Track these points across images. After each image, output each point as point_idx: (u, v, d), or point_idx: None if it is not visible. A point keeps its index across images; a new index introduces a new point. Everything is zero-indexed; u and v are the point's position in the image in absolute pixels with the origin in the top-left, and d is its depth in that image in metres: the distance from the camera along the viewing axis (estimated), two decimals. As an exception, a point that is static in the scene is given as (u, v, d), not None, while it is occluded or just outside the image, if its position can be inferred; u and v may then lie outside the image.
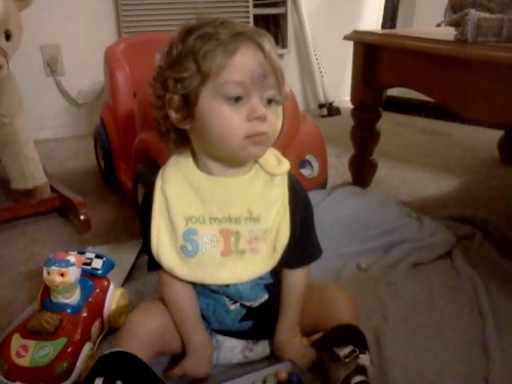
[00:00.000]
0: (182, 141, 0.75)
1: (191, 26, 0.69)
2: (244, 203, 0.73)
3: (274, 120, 0.70)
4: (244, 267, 0.74)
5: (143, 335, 0.73)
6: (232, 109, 0.67)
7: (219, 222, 0.73)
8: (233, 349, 0.82)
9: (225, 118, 0.67)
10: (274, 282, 0.80)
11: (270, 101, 0.69)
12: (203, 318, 0.81)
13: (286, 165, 0.77)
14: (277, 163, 0.76)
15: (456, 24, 1.15)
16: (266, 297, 0.80)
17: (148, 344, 0.73)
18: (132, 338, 0.73)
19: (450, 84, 1.20)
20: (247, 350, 0.82)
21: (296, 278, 0.80)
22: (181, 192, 0.74)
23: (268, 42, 0.68)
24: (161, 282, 0.79)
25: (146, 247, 0.77)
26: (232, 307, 0.79)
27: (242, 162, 0.74)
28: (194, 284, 0.78)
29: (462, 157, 1.96)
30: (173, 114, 0.71)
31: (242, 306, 0.79)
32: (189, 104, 0.69)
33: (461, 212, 1.34)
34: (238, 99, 0.66)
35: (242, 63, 0.66)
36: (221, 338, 0.82)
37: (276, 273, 0.79)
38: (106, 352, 0.70)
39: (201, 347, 0.78)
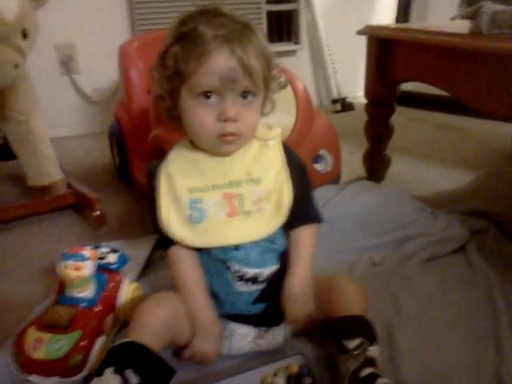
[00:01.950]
0: (180, 124, 0.81)
1: (187, 17, 0.74)
2: (241, 167, 0.79)
3: (251, 117, 0.76)
4: (251, 226, 0.78)
5: (153, 325, 0.74)
6: (205, 109, 0.74)
7: (221, 187, 0.79)
8: (245, 336, 0.83)
9: (198, 117, 0.75)
10: (287, 250, 0.83)
11: (245, 95, 0.74)
12: (217, 301, 0.82)
13: (276, 130, 0.83)
14: (268, 130, 0.83)
15: (471, 17, 1.14)
16: (277, 265, 0.81)
17: (158, 334, 0.74)
18: (142, 328, 0.74)
19: (465, 77, 1.19)
20: (259, 337, 0.83)
21: (302, 236, 0.83)
22: (182, 169, 0.80)
23: (249, 43, 0.72)
24: (170, 261, 0.82)
25: (157, 228, 0.81)
26: (241, 288, 0.80)
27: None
28: (205, 258, 0.81)
29: (476, 151, 1.94)
30: (167, 101, 0.79)
31: (252, 282, 0.80)
32: (173, 97, 0.77)
33: (475, 206, 1.33)
34: (208, 96, 0.73)
35: (213, 67, 0.71)
36: (233, 325, 0.83)
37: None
38: (117, 343, 0.72)
39: (209, 325, 0.79)
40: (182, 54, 0.72)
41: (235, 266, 0.79)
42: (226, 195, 0.78)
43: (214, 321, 0.80)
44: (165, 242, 0.81)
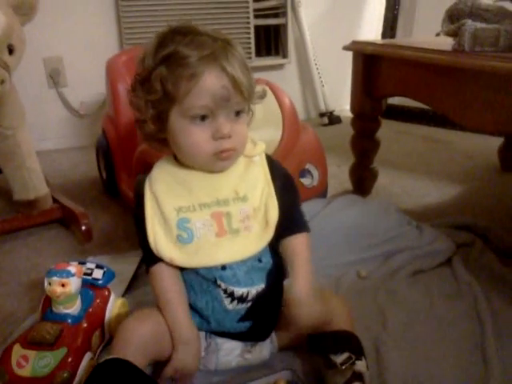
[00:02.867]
0: (164, 147, 0.81)
1: (164, 37, 0.73)
2: (229, 185, 0.79)
3: (242, 131, 0.77)
4: (240, 245, 0.78)
5: (137, 341, 0.74)
6: (199, 128, 0.73)
7: (209, 206, 0.78)
8: (232, 351, 0.82)
9: (192, 137, 0.74)
10: (273, 269, 0.81)
11: (238, 113, 0.75)
12: (203, 319, 0.82)
13: (261, 146, 0.83)
14: (253, 146, 0.82)
15: (453, 34, 1.16)
16: (262, 285, 0.80)
17: (142, 349, 0.74)
18: (126, 344, 0.73)
19: (448, 93, 1.21)
20: (246, 352, 0.83)
21: (296, 244, 0.82)
22: (168, 187, 0.79)
23: (235, 59, 0.72)
24: (151, 277, 0.81)
25: (143, 247, 0.80)
26: (230, 306, 0.79)
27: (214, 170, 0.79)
28: (191, 277, 0.80)
29: (462, 164, 1.96)
30: (149, 126, 0.77)
31: (239, 301, 0.79)
32: (161, 120, 0.75)
33: (461, 220, 1.35)
34: (204, 118, 0.73)
35: (206, 88, 0.71)
36: (220, 340, 0.82)
37: (275, 255, 0.82)
38: (101, 361, 0.71)
39: (189, 340, 0.78)
40: (170, 77, 0.71)
41: (223, 285, 0.79)
42: (215, 214, 0.77)
43: (195, 336, 0.80)
44: (148, 259, 0.81)
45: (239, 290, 0.79)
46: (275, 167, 0.83)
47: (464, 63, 1.09)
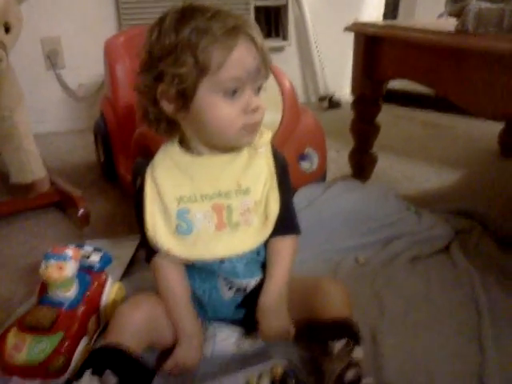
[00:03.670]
0: (172, 129, 0.78)
1: (182, 14, 0.70)
2: (232, 177, 0.77)
3: (263, 105, 0.74)
4: (239, 239, 0.76)
5: (132, 326, 0.73)
6: (229, 102, 0.71)
7: (210, 198, 0.76)
8: (227, 337, 0.82)
9: (222, 111, 0.71)
10: None
11: (259, 89, 0.74)
12: (200, 306, 0.82)
13: (267, 135, 0.81)
14: (259, 135, 0.79)
15: (457, 14, 1.14)
16: (261, 276, 0.81)
17: (137, 335, 0.73)
18: (121, 329, 0.73)
19: (451, 75, 1.19)
20: (241, 339, 0.83)
21: (282, 248, 0.81)
22: (169, 175, 0.77)
23: (258, 33, 0.71)
24: (154, 269, 0.80)
25: (143, 236, 0.79)
26: (227, 294, 0.80)
27: (236, 148, 0.78)
28: (190, 267, 0.79)
29: (462, 150, 1.95)
30: (166, 105, 0.73)
31: (238, 290, 0.80)
32: (185, 97, 0.71)
33: (460, 206, 1.34)
34: (234, 92, 0.70)
35: (239, 59, 0.69)
36: (217, 324, 0.83)
37: None
38: (96, 346, 0.72)
39: (192, 335, 0.78)
40: (202, 48, 0.67)
41: (223, 276, 0.79)
42: (215, 206, 0.76)
43: (198, 330, 0.79)
44: (149, 248, 0.79)
45: (238, 281, 0.79)
46: (277, 160, 0.81)
47: (467, 44, 1.07)
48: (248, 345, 0.82)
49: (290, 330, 0.78)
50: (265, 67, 0.72)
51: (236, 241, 0.76)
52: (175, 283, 0.79)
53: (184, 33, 0.68)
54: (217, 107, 0.71)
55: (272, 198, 0.78)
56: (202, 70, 0.68)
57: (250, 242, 0.77)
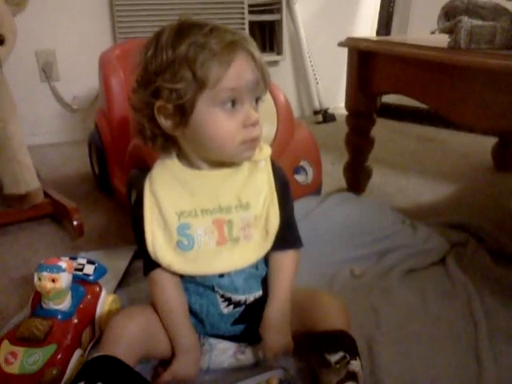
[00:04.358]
0: (169, 146, 0.77)
1: (179, 29, 0.70)
2: (232, 192, 0.76)
3: (259, 119, 0.74)
4: (239, 254, 0.76)
5: (126, 338, 0.73)
6: (228, 116, 0.70)
7: (211, 212, 0.75)
8: (225, 351, 0.82)
9: (222, 125, 0.71)
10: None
11: (257, 100, 0.73)
12: (197, 321, 0.81)
13: (267, 150, 0.80)
14: (258, 150, 0.79)
15: (449, 31, 1.15)
16: (260, 292, 0.81)
17: (131, 346, 0.73)
18: (115, 341, 0.73)
19: (443, 91, 1.20)
20: (239, 352, 0.82)
21: (285, 262, 0.81)
22: (169, 189, 0.76)
23: (255, 48, 0.72)
24: (151, 283, 0.79)
25: (141, 250, 0.78)
26: (225, 310, 0.79)
27: (236, 163, 0.77)
28: (187, 282, 0.79)
29: (456, 163, 1.96)
30: (163, 121, 0.73)
31: (235, 305, 0.79)
32: (183, 112, 0.71)
33: (454, 219, 1.34)
34: (234, 104, 0.70)
35: (238, 73, 0.69)
36: (213, 340, 0.82)
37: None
38: (90, 358, 0.71)
39: (190, 349, 0.78)
40: (201, 62, 0.67)
41: (221, 291, 0.78)
42: (216, 221, 0.75)
43: (196, 344, 0.79)
44: (147, 262, 0.78)
45: (237, 297, 0.79)
46: (277, 174, 0.81)
47: (459, 60, 1.09)
48: (246, 358, 0.82)
49: (290, 344, 0.78)
50: (263, 80, 0.72)
51: (236, 256, 0.76)
52: (172, 297, 0.78)
53: (181, 48, 0.68)
54: (216, 121, 0.70)
55: (272, 213, 0.77)
56: (200, 85, 0.68)
57: (251, 257, 0.77)
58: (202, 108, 0.70)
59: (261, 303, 0.80)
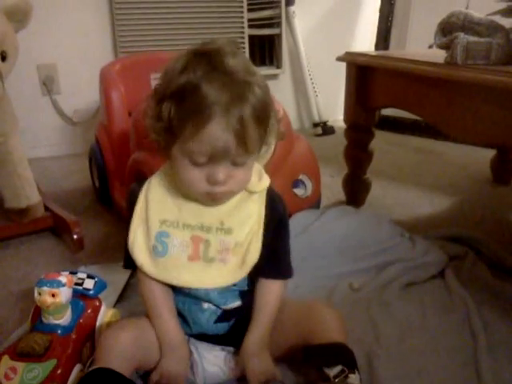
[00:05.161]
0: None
1: (189, 59, 0.69)
2: (216, 214, 0.78)
3: (242, 175, 0.74)
4: (211, 275, 0.77)
5: (119, 349, 0.74)
6: (196, 169, 0.71)
7: (192, 228, 0.78)
8: (215, 359, 0.82)
9: (188, 175, 0.72)
10: (250, 289, 0.82)
11: (236, 164, 0.71)
12: (183, 321, 0.83)
13: (265, 181, 0.81)
14: (257, 179, 0.80)
15: (446, 47, 1.17)
16: (238, 303, 0.82)
17: (124, 357, 0.73)
18: (108, 352, 0.73)
19: (440, 105, 1.22)
20: (231, 361, 0.82)
21: (269, 290, 0.82)
22: (160, 199, 0.79)
23: (250, 109, 0.67)
24: (139, 278, 0.82)
25: (125, 245, 0.81)
26: (205, 305, 0.81)
27: None
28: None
29: (454, 176, 1.97)
30: (160, 143, 0.75)
31: (216, 307, 0.81)
32: (165, 146, 0.74)
33: (453, 231, 1.35)
34: (200, 165, 0.70)
35: (209, 138, 0.67)
36: (200, 346, 0.83)
37: (253, 280, 0.82)
38: (85, 372, 0.72)
39: (177, 345, 0.79)
40: (179, 114, 0.68)
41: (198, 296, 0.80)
42: (194, 237, 0.77)
43: (182, 341, 0.80)
44: (129, 263, 0.82)
45: (212, 306, 0.81)
46: (274, 205, 0.81)
47: (456, 76, 1.10)
48: (236, 367, 0.81)
49: (274, 372, 0.77)
50: (244, 149, 0.69)
51: (207, 276, 0.77)
52: (159, 296, 0.80)
53: (174, 89, 0.69)
54: (184, 169, 0.72)
55: (253, 245, 0.77)
56: (173, 135, 0.70)
57: (221, 281, 0.78)
58: (175, 151, 0.72)
59: (242, 310, 0.82)
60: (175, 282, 0.78)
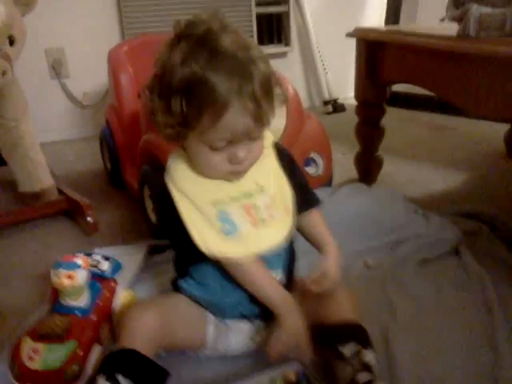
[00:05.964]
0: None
1: (187, 51, 0.68)
2: (251, 178, 0.78)
3: (258, 147, 0.75)
4: (273, 231, 0.78)
5: (142, 330, 0.74)
6: (216, 153, 0.72)
7: (237, 199, 0.77)
8: (242, 331, 0.83)
9: (208, 161, 0.73)
10: (288, 253, 0.84)
11: (254, 139, 0.73)
12: (216, 308, 0.83)
13: (269, 137, 0.83)
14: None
15: (458, 19, 1.14)
16: (280, 275, 0.83)
17: (148, 338, 0.74)
18: (131, 334, 0.74)
19: (453, 79, 1.19)
20: (256, 333, 0.83)
21: (314, 219, 0.87)
22: (195, 184, 0.77)
23: (259, 85, 0.68)
24: (228, 268, 0.78)
25: (184, 247, 0.78)
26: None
27: None
28: (210, 266, 0.78)
29: (468, 151, 1.95)
30: (168, 130, 0.73)
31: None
32: (180, 136, 0.73)
33: (467, 207, 1.34)
34: (221, 148, 0.71)
35: (228, 125, 0.68)
36: (229, 321, 0.83)
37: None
38: (108, 352, 0.73)
39: (292, 303, 0.77)
40: (193, 107, 0.68)
41: None
42: (245, 206, 0.77)
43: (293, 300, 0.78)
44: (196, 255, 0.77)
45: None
46: (281, 152, 0.85)
47: (469, 49, 1.08)
48: (262, 340, 0.82)
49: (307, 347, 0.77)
50: (261, 125, 0.71)
51: (271, 234, 0.78)
52: (252, 268, 0.77)
53: (181, 81, 0.68)
54: (203, 154, 0.72)
55: (284, 189, 0.81)
56: (188, 126, 0.70)
57: (280, 234, 0.79)
58: (192, 140, 0.72)
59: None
60: (257, 250, 0.77)
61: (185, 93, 0.68)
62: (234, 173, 0.75)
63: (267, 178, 0.80)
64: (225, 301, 0.81)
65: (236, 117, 0.67)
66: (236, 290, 0.79)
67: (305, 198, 0.85)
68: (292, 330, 0.74)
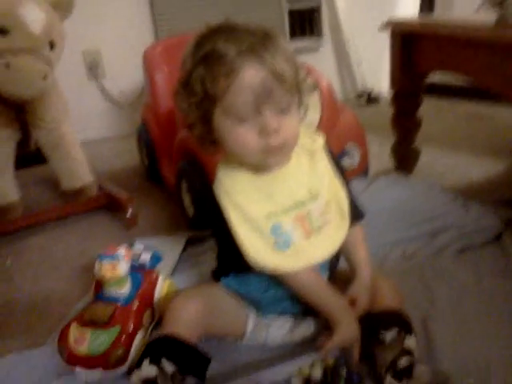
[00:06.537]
0: (218, 147, 0.77)
1: (202, 37, 0.70)
2: (302, 186, 0.78)
3: (291, 123, 0.72)
4: (327, 239, 0.79)
5: (185, 318, 0.76)
6: (244, 127, 0.69)
7: (291, 209, 0.76)
8: (282, 326, 0.84)
9: (238, 137, 0.70)
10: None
11: (283, 109, 0.70)
12: (257, 306, 0.84)
13: (320, 139, 0.82)
14: (311, 141, 0.81)
15: (498, 5, 1.12)
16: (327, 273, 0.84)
17: (190, 325, 0.76)
18: (175, 321, 0.76)
19: (492, 67, 1.17)
20: (295, 326, 0.84)
21: (355, 234, 0.85)
22: (248, 196, 0.76)
23: (274, 49, 0.67)
24: (284, 280, 0.78)
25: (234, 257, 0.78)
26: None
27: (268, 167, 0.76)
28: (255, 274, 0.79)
29: (506, 139, 1.90)
30: (198, 127, 0.74)
31: None
32: (207, 121, 0.72)
33: (507, 195, 1.31)
34: (247, 118, 0.68)
35: (245, 83, 0.66)
36: (270, 316, 0.84)
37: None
38: (152, 338, 0.75)
39: (348, 308, 0.78)
40: (209, 76, 0.67)
41: None
42: (298, 217, 0.76)
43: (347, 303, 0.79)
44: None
45: None
46: (334, 157, 0.84)
47: (508, 37, 1.05)
48: (301, 332, 0.83)
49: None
50: (283, 86, 0.68)
51: (325, 242, 0.78)
52: (307, 277, 0.78)
53: (196, 60, 0.69)
54: (232, 132, 0.70)
55: (339, 193, 0.81)
56: (210, 98, 0.69)
57: (337, 238, 0.80)
58: (219, 119, 0.71)
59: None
60: (312, 262, 0.77)
61: (201, 65, 0.68)
62: (267, 150, 0.70)
63: (321, 184, 0.79)
64: (266, 298, 0.83)
65: (252, 72, 0.66)
66: (278, 288, 0.80)
67: (355, 209, 0.84)
68: (347, 336, 0.75)
